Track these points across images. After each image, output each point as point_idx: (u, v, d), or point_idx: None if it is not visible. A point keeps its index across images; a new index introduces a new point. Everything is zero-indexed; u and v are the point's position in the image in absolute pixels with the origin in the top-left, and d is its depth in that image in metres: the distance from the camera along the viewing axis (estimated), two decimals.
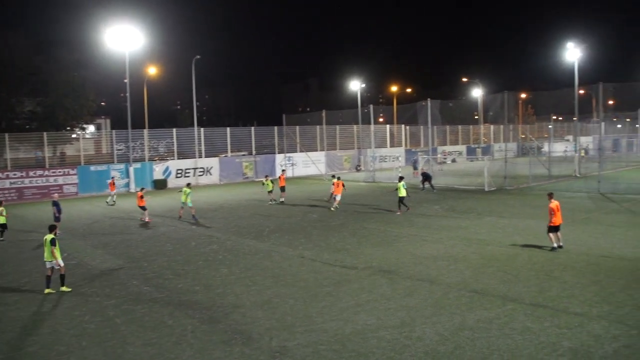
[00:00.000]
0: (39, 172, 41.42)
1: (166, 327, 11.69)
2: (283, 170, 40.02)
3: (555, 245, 17.50)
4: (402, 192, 26.41)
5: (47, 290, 14.69)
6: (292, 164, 53.86)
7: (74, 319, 12.55)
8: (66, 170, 42.40)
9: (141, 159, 46.66)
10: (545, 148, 57.25)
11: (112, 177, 39.19)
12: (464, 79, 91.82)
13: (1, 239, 23.73)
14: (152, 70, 65.29)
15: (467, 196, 32.37)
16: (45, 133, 43.67)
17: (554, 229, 17.49)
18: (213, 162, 49.35)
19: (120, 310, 13.00)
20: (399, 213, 26.30)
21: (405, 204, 26.67)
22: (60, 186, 40.90)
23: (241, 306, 12.85)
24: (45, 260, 14.90)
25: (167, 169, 46.67)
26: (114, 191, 35.58)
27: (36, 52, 54.05)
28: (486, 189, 34.65)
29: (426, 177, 36.29)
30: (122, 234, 24.02)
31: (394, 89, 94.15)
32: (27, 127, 52.48)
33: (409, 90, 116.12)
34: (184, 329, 11.51)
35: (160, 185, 45.06)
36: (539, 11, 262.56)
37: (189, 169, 47.88)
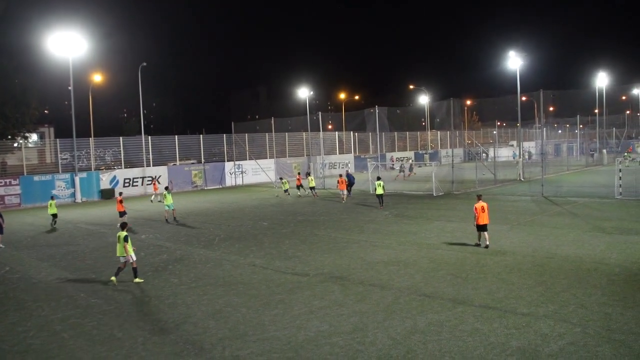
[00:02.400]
0: None
1: (116, 340, 11.44)
2: (299, 173, 45.21)
3: (479, 242, 18.84)
4: (380, 190, 30.48)
5: (112, 278, 16.04)
6: (242, 172, 53.60)
7: (17, 334, 12.14)
8: (8, 180, 41.02)
9: (87, 169, 45.68)
10: (491, 153, 58.68)
11: (154, 177, 39.37)
12: (411, 87, 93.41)
13: (54, 226, 28.49)
14: (98, 78, 64.01)
15: (416, 201, 32.84)
16: None
17: (479, 228, 18.70)
18: (161, 171, 48.65)
19: (67, 324, 12.65)
20: (381, 208, 29.92)
21: (382, 201, 30.56)
22: (2, 197, 39.59)
23: (192, 316, 12.69)
24: (118, 255, 16.19)
25: (114, 178, 45.78)
26: (157, 191, 35.15)
27: None
28: (434, 194, 35.25)
29: (350, 182, 37.45)
30: (69, 245, 23.41)
31: (342, 96, 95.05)
32: None
33: (357, 97, 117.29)
34: (135, 342, 11.28)
35: (107, 195, 44.14)
36: (484, 20, 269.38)
37: (137, 177, 47.08)
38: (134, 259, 16.20)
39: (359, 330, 11.19)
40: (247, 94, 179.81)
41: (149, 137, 50.29)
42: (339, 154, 65.22)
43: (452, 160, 42.69)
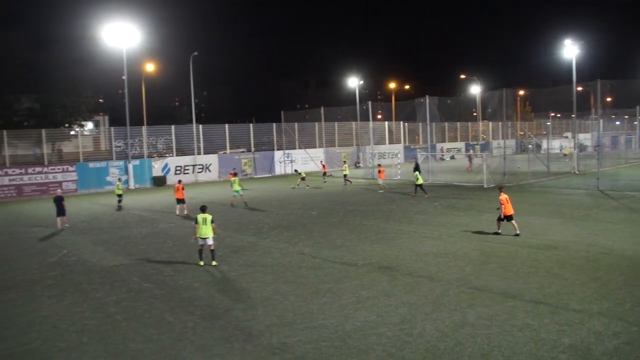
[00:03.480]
0: (38, 169, 41.41)
1: (167, 324, 11.70)
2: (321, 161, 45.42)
3: (499, 231, 19.57)
4: (420, 180, 31.00)
5: (201, 262, 16.62)
6: (291, 161, 53.87)
7: (74, 315, 12.56)
8: (65, 167, 42.36)
9: (140, 156, 46.70)
10: (544, 145, 57.37)
11: (234, 168, 40.59)
12: (462, 76, 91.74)
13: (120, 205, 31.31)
14: (150, 67, 65.20)
15: (466, 193, 32.40)
16: (43, 130, 43.63)
17: (507, 218, 19.35)
18: (212, 159, 49.36)
19: (120, 306, 13.01)
20: (414, 195, 31.01)
21: (424, 189, 31.05)
22: (60, 183, 40.87)
23: (241, 303, 12.86)
24: (201, 236, 16.46)
25: (166, 165, 46.68)
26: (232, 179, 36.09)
27: (35, 49, 54.00)
28: (485, 186, 34.69)
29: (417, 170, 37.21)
30: (122, 230, 24.02)
31: (392, 85, 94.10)
32: (25, 124, 52.46)
33: (407, 87, 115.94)
34: (185, 326, 11.52)
35: (159, 182, 45.07)
36: (537, 8, 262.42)
37: (187, 165, 47.91)
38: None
39: (406, 322, 11.14)
40: (297, 83, 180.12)
41: (200, 125, 51.05)
42: (389, 144, 64.83)
43: (504, 152, 41.89)
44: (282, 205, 30.10)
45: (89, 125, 62.99)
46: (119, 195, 32.37)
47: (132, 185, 43.84)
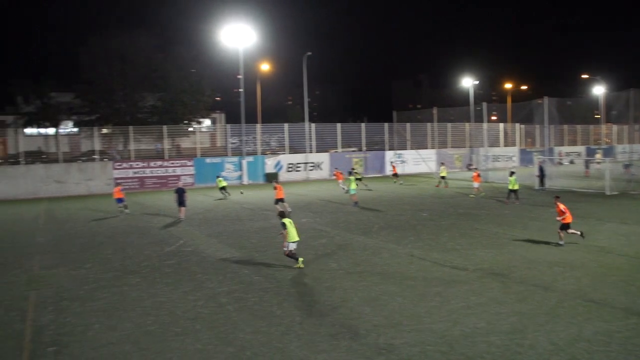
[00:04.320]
0: (159, 162, 43.85)
1: (275, 317, 12.02)
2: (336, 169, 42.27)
3: (561, 242, 18.59)
4: (515, 185, 29.38)
5: (301, 264, 16.33)
6: (402, 161, 53.52)
7: (189, 302, 13.20)
8: (183, 161, 44.56)
9: (254, 153, 48.17)
10: None
11: (336, 168, 41.56)
12: (584, 76, 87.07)
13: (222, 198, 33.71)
14: (265, 67, 67.01)
15: (586, 200, 30.75)
16: (165, 126, 46.13)
17: (565, 226, 18.70)
18: (323, 157, 50.02)
19: (232, 297, 13.51)
20: (506, 202, 29.49)
21: (517, 196, 29.55)
22: (178, 176, 43.00)
23: (349, 301, 12.96)
24: (293, 240, 16.21)
25: (278, 162, 47.85)
26: (342, 180, 36.65)
27: (157, 50, 57.17)
28: (607, 193, 32.77)
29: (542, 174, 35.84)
30: (235, 224, 24.91)
31: (508, 86, 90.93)
32: (149, 120, 55.67)
33: (524, 87, 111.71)
34: (292, 320, 11.78)
35: (271, 178, 46.25)
36: None
37: (299, 163, 48.84)
38: (289, 248, 16.26)
39: (517, 332, 10.77)
40: (409, 82, 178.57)
41: (312, 124, 51.90)
42: (503, 146, 62.79)
43: (630, 157, 39.36)
44: (391, 206, 29.99)
45: (207, 122, 65.75)
46: (223, 188, 34.77)
47: (245, 181, 45.30)
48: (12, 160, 46.84)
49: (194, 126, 56.38)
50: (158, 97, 58.29)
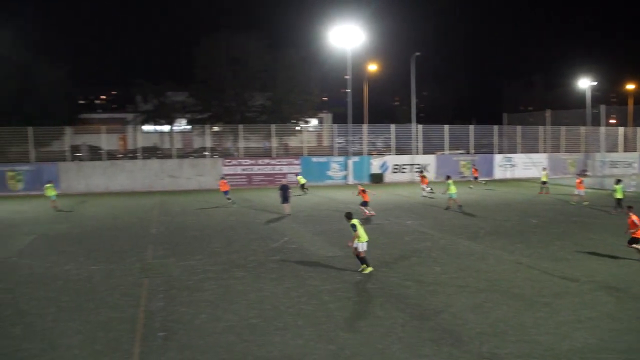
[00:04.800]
0: (266, 160, 45.00)
1: (377, 318, 11.97)
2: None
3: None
4: (621, 194, 27.69)
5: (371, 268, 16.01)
6: (512, 165, 51.76)
7: (292, 299, 13.42)
8: (290, 160, 45.44)
9: (359, 153, 48.24)
10: None
11: (422, 170, 41.53)
12: None
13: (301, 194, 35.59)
14: (372, 67, 66.91)
15: None
16: (273, 125, 47.23)
17: (634, 240, 17.34)
18: (430, 159, 49.30)
19: (334, 296, 13.59)
20: (613, 213, 27.19)
21: (622, 205, 26.66)
22: (285, 175, 43.87)
23: (452, 306, 12.68)
24: (363, 241, 15.89)
25: (384, 164, 47.66)
26: (427, 185, 35.77)
27: (267, 51, 58.58)
28: None
29: None
30: (339, 223, 24.98)
31: (630, 87, 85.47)
32: (258, 119, 57.26)
33: None
34: (394, 322, 11.68)
35: (376, 179, 46.23)
36: None
37: (405, 164, 48.41)
38: (357, 249, 15.88)
39: (634, 351, 10.10)
40: (521, 83, 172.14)
41: (419, 125, 51.27)
42: (623, 151, 59.15)
43: None
44: (499, 210, 29.04)
45: (314, 121, 66.63)
46: (303, 185, 37.50)
47: (350, 181, 45.47)
48: (131, 155, 49.78)
49: (301, 125, 57.34)
50: (267, 97, 59.82)
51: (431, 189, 35.78)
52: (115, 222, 26.78)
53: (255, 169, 44.38)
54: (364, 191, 27.31)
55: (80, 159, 45.75)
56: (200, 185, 43.56)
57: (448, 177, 30.42)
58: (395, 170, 47.87)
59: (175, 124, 61.89)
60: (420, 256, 17.97)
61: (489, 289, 14.10)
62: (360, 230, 15.85)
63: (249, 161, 44.88)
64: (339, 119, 65.24)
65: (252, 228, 24.01)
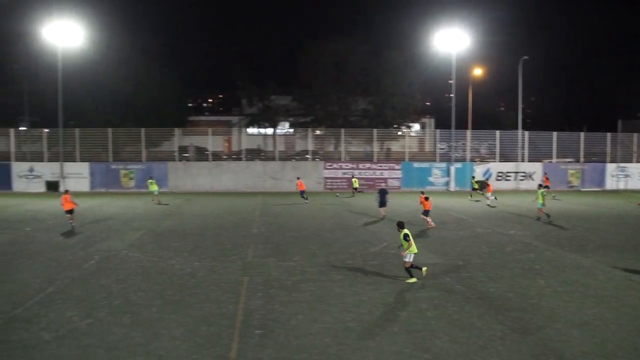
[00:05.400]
0: (367, 164, 45.01)
1: (475, 329, 11.63)
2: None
3: None
4: None
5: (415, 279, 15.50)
6: (625, 175, 48.86)
7: (389, 304, 13.30)
8: (391, 165, 45.20)
9: (462, 159, 47.25)
10: None
11: (487, 178, 40.70)
12: None
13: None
14: (478, 72, 65.35)
15: None
16: (375, 129, 47.20)
17: None
18: (536, 167, 47.46)
19: (432, 304, 13.33)
20: None
21: None
22: (385, 179, 43.70)
23: (556, 322, 12.10)
24: (414, 252, 15.46)
25: (487, 170, 46.43)
26: (490, 192, 35.30)
27: (370, 55, 58.59)
28: None
29: None
30: (440, 230, 24.59)
31: None
32: (360, 123, 57.41)
33: None
34: (493, 334, 11.30)
35: (479, 186, 45.05)
36: None
37: (510, 172, 46.90)
38: (407, 259, 15.42)
39: None
40: (639, 88, 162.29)
41: (526, 132, 49.51)
42: None
43: None
44: (610, 223, 27.44)
45: (416, 126, 65.96)
46: (356, 188, 38.60)
47: (452, 187, 44.65)
48: (235, 156, 51.35)
49: (403, 130, 56.94)
50: (369, 101, 59.90)
51: (495, 197, 35.11)
52: (218, 220, 27.68)
53: (356, 173, 44.52)
54: (426, 198, 25.83)
55: (187, 159, 47.78)
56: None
57: (539, 187, 29.24)
58: (499, 178, 46.46)
59: (278, 127, 63.29)
60: (522, 268, 17.29)
61: (597, 305, 13.33)
62: (412, 241, 15.42)
63: (350, 165, 45.11)
64: (442, 124, 64.22)
65: (351, 231, 24.06)
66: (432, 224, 25.33)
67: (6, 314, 12.49)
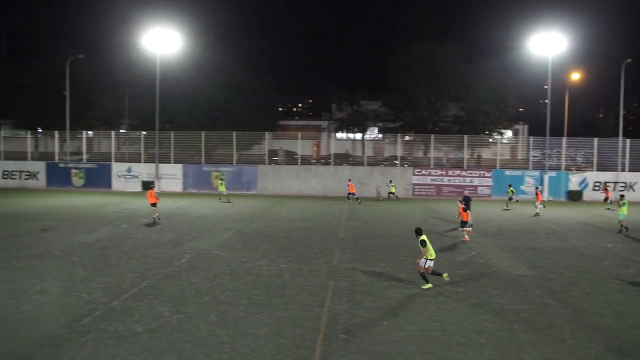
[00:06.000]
0: (457, 172, 44.16)
1: (566, 346, 11.14)
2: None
3: None
4: None
5: (430, 284, 15.38)
6: None
7: (476, 315, 12.97)
8: (482, 172, 44.12)
9: (557, 168, 45.49)
10: None
11: (537, 187, 39.42)
12: None
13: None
14: (575, 76, 62.78)
15: None
16: (465, 136, 46.26)
17: None
18: (638, 177, 44.93)
19: (520, 317, 12.89)
20: None
21: None
22: (475, 187, 42.74)
23: None
24: (430, 258, 15.34)
25: (584, 180, 44.42)
26: (540, 202, 34.26)
27: (463, 60, 57.53)
28: None
29: None
30: (532, 241, 23.76)
31: None
32: (450, 129, 56.50)
33: None
34: (587, 353, 10.78)
35: (574, 196, 43.25)
36: None
37: (608, 182, 44.63)
38: (422, 265, 15.27)
39: None
40: None
41: (627, 139, 46.95)
42: None
43: None
44: None
45: (508, 133, 64.18)
46: (392, 193, 40.41)
47: (545, 197, 43.06)
48: (324, 161, 51.76)
49: (495, 137, 55.53)
50: (460, 107, 58.85)
51: (543, 206, 34.13)
52: (305, 224, 27.98)
53: (445, 180, 43.79)
54: (464, 209, 23.88)
55: (276, 162, 48.64)
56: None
57: (622, 197, 27.23)
58: (596, 188, 44.31)
59: (367, 132, 63.32)
60: (620, 284, 16.40)
61: None
62: (430, 246, 15.32)
63: (439, 172, 44.43)
64: (536, 130, 62.08)
65: (438, 239, 23.64)
66: (467, 237, 23.42)
67: (104, 305, 13.15)
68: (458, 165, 46.85)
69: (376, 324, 12.24)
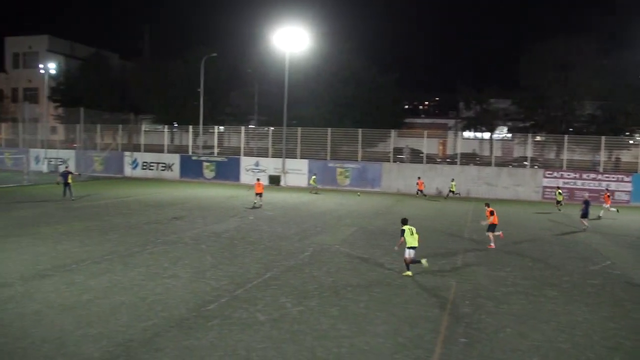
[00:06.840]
0: (592, 175, 41.64)
1: None
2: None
3: None
4: None
5: (410, 272, 16.37)
6: None
7: (609, 330, 12.11)
8: (620, 176, 41.27)
9: None
10: None
11: (607, 189, 36.85)
12: None
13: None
14: None
15: None
16: (603, 137, 43.42)
17: None
18: None
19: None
20: None
21: None
22: (613, 192, 40.01)
23: None
24: (411, 246, 16.31)
25: None
26: (609, 204, 32.35)
27: (601, 55, 53.86)
28: None
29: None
30: None
31: None
32: (585, 130, 53.32)
33: None
34: None
35: None
36: None
37: None
38: (406, 255, 16.30)
39: None
40: None
41: None
42: None
43: None
44: None
45: None
46: (453, 192, 41.20)
47: None
48: (449, 160, 50.74)
49: (637, 138, 51.69)
50: (597, 106, 55.32)
51: (617, 210, 32.48)
52: (428, 223, 27.55)
53: (579, 184, 41.42)
54: (492, 213, 21.68)
55: (401, 160, 48.35)
56: (517, 196, 42.53)
57: (608, 197, 25.56)
58: None
59: (495, 132, 61.32)
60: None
61: None
62: (409, 236, 16.21)
63: (572, 174, 42.08)
64: None
65: (569, 245, 22.47)
66: (493, 244, 21.54)
67: (230, 293, 13.71)
68: (594, 168, 44.03)
69: (499, 330, 11.82)
